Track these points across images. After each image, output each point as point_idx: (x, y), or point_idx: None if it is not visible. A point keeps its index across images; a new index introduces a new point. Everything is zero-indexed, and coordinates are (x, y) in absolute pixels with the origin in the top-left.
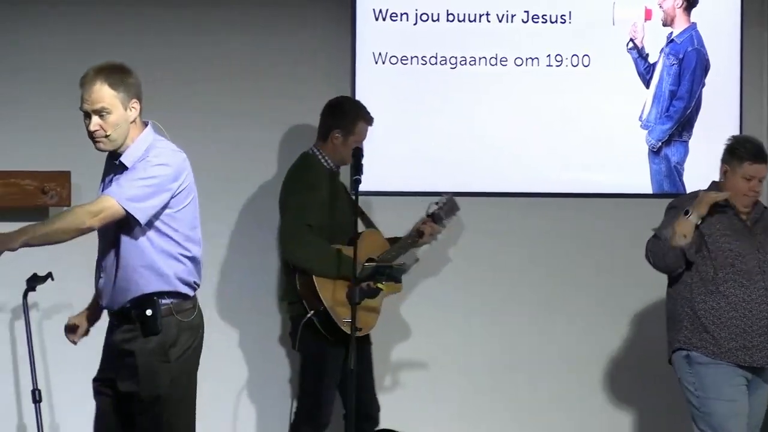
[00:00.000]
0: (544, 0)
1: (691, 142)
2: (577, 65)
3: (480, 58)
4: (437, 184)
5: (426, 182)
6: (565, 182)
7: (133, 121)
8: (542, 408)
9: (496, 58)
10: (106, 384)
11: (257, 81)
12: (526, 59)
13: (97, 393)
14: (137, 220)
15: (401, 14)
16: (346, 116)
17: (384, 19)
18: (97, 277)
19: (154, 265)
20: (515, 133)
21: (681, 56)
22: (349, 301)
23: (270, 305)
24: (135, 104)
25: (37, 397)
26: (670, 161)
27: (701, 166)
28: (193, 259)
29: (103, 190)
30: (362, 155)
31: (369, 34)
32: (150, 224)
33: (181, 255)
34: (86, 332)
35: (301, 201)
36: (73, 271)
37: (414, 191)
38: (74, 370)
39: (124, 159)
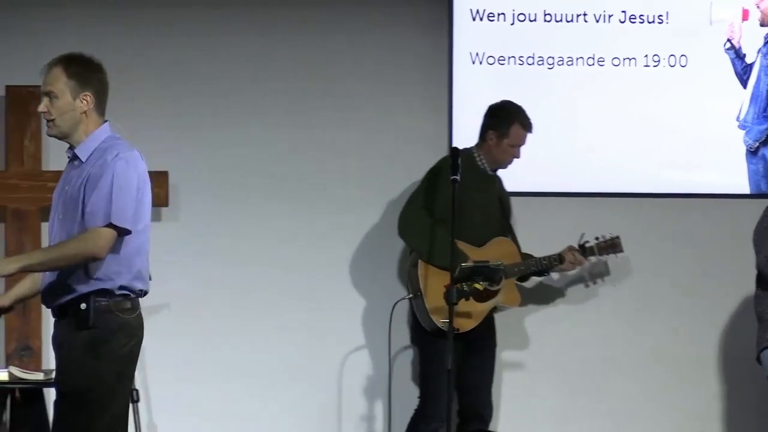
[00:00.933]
0: (642, 0)
1: None
2: (674, 65)
3: (577, 59)
4: (533, 184)
5: (522, 182)
6: (662, 182)
7: (84, 113)
8: (637, 407)
9: (593, 59)
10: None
11: (355, 82)
12: (624, 59)
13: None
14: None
15: (498, 14)
16: (502, 118)
17: (481, 19)
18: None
19: (92, 263)
20: (611, 134)
21: None
22: (446, 301)
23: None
24: (87, 97)
25: (134, 397)
26: (767, 161)
27: None
28: (137, 259)
29: (61, 188)
30: (459, 154)
31: (466, 35)
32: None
33: (125, 255)
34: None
35: (423, 185)
36: (171, 271)
37: (509, 192)
38: (172, 371)
39: (79, 152)
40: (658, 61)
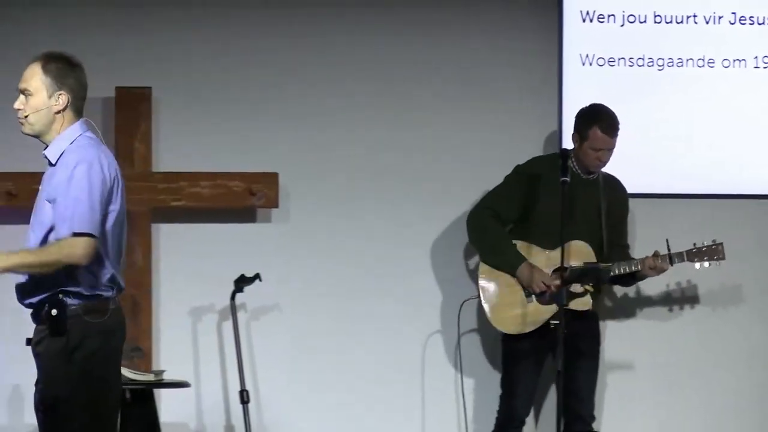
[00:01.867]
0: (752, 1)
1: None
2: None
3: (687, 60)
4: (643, 186)
5: (632, 184)
6: None
7: (59, 112)
8: (739, 405)
9: (703, 60)
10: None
11: (465, 83)
12: (733, 61)
13: (35, 396)
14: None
15: (608, 16)
16: (583, 122)
17: (591, 21)
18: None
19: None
20: (721, 135)
21: None
22: (556, 302)
23: None
24: (62, 96)
25: (245, 398)
26: None
27: None
28: (108, 259)
29: (41, 189)
30: (569, 156)
31: (576, 36)
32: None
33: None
34: None
35: (497, 188)
36: (280, 272)
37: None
38: (282, 371)
39: (48, 153)
40: None
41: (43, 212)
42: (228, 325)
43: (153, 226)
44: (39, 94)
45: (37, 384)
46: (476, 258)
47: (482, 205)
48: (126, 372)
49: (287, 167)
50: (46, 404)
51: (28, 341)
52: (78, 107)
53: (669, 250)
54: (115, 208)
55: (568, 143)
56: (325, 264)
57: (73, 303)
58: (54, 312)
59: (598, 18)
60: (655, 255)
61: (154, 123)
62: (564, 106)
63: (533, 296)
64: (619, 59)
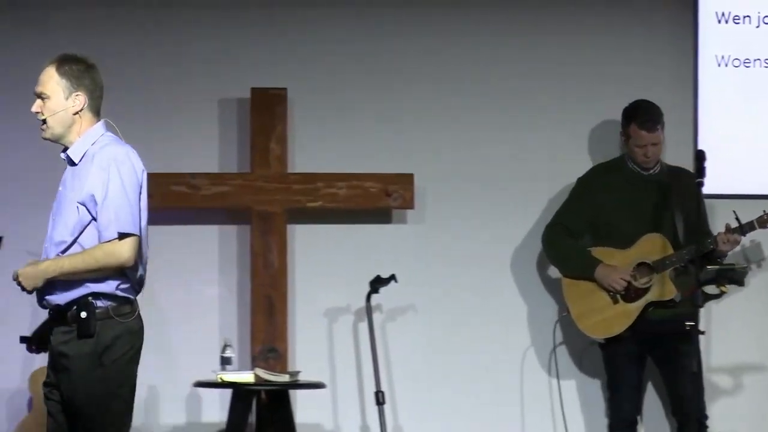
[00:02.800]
0: None
1: None
2: None
3: None
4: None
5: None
6: None
7: (77, 113)
8: None
9: None
10: (51, 387)
11: (600, 84)
12: None
13: (46, 398)
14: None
15: (744, 17)
16: (624, 120)
17: (726, 22)
18: None
19: None
20: None
21: None
22: (693, 303)
23: None
24: (79, 96)
25: (380, 399)
26: None
27: None
28: (140, 259)
29: (60, 191)
30: (704, 158)
31: (711, 37)
32: (93, 225)
33: None
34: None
35: (564, 203)
36: (416, 274)
37: (753, 194)
38: (417, 373)
39: (71, 153)
40: None
41: (70, 213)
42: (363, 326)
43: (288, 227)
44: (56, 97)
45: (52, 384)
46: None
47: (552, 222)
48: (262, 373)
49: (423, 168)
50: (76, 405)
51: (23, 339)
52: (95, 107)
53: (739, 221)
54: (144, 205)
55: (703, 144)
56: (460, 264)
57: (102, 305)
58: (83, 314)
59: (734, 19)
60: (727, 228)
61: (289, 124)
62: (699, 107)
63: (618, 296)
64: (754, 60)
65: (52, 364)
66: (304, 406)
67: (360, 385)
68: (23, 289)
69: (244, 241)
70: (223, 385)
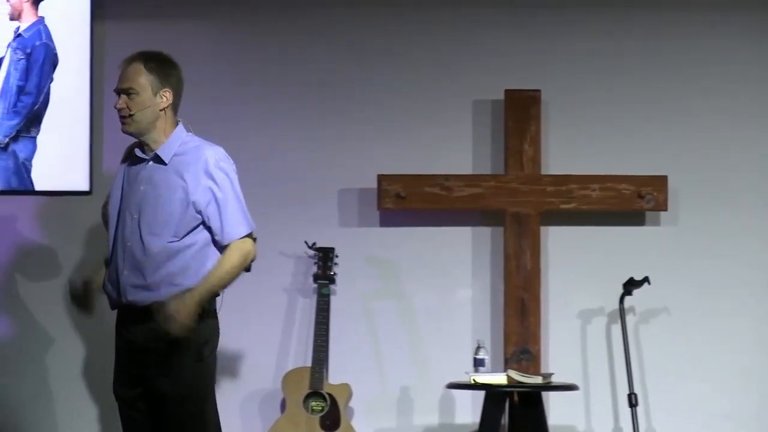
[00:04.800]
0: None
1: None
2: None
3: None
4: None
5: None
6: None
7: (163, 110)
8: None
9: None
10: (129, 384)
11: (743, 84)
12: None
13: (123, 397)
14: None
15: None
16: None
17: None
18: (115, 271)
19: (194, 262)
20: None
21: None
22: None
23: None
24: (167, 93)
25: (633, 401)
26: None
27: None
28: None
29: (131, 186)
30: None
31: None
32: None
33: (215, 252)
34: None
35: None
36: (669, 275)
37: None
38: (670, 375)
39: (161, 152)
40: None
41: (171, 212)
42: (616, 328)
43: (541, 228)
44: (144, 93)
45: (132, 381)
46: None
47: None
48: (515, 375)
49: (676, 170)
50: (173, 400)
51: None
52: (177, 105)
53: None
54: None
55: None
56: (714, 266)
57: None
58: None
59: None
60: None
61: (543, 125)
62: None
63: None
64: None
65: (136, 361)
66: (556, 407)
67: (613, 387)
68: (172, 330)
69: (498, 243)
70: (476, 386)
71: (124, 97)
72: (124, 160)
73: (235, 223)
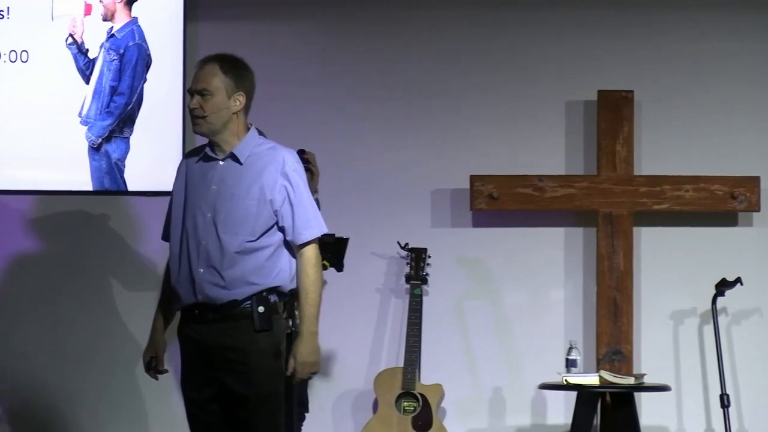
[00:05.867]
0: None
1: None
2: (15, 61)
3: None
4: None
5: None
6: None
7: (236, 113)
8: None
9: None
10: (201, 385)
11: None
12: None
13: (190, 399)
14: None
15: None
16: None
17: None
18: (188, 270)
19: (268, 262)
20: None
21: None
22: None
23: None
24: (241, 96)
25: (725, 402)
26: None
27: None
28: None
29: (202, 185)
30: None
31: None
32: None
33: (287, 254)
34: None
35: None
36: (761, 276)
37: None
38: (763, 376)
39: (237, 152)
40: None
41: (246, 211)
42: (709, 328)
43: (634, 229)
44: (219, 95)
45: (203, 381)
46: None
47: None
48: (607, 375)
49: None
50: (251, 400)
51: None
52: (248, 108)
53: None
54: None
55: None
56: None
57: (273, 299)
58: (261, 309)
59: None
60: None
61: (636, 126)
62: None
63: None
64: None
65: (207, 361)
66: (648, 408)
67: (705, 387)
68: (310, 372)
69: (590, 244)
70: (568, 387)
71: (198, 97)
72: (186, 160)
73: (309, 225)
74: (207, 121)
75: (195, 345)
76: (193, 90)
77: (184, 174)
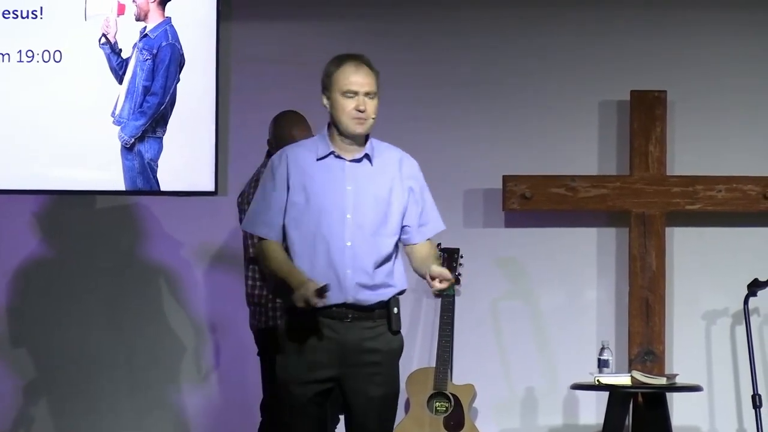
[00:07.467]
0: None
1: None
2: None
3: None
4: None
5: None
6: None
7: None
8: None
9: None
10: (319, 383)
11: None
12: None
13: (299, 397)
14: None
15: None
16: None
17: None
18: (333, 271)
19: (396, 263)
20: None
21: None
22: None
23: None
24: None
25: (757, 402)
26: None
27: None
28: None
29: (335, 185)
30: None
31: None
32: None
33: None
34: None
35: None
36: None
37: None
38: None
39: (371, 153)
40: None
41: (386, 212)
42: (741, 329)
43: (667, 229)
44: (377, 98)
45: (331, 377)
46: None
47: None
48: (639, 376)
49: None
50: (377, 400)
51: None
52: None
53: None
54: None
55: None
56: None
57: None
58: (395, 310)
59: None
60: None
61: (668, 126)
62: None
63: None
64: None
65: (340, 359)
66: (680, 408)
67: (737, 388)
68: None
69: (623, 244)
70: (600, 387)
71: (365, 98)
72: (294, 155)
73: (436, 217)
74: (370, 123)
75: (328, 343)
76: (360, 91)
77: (286, 168)
